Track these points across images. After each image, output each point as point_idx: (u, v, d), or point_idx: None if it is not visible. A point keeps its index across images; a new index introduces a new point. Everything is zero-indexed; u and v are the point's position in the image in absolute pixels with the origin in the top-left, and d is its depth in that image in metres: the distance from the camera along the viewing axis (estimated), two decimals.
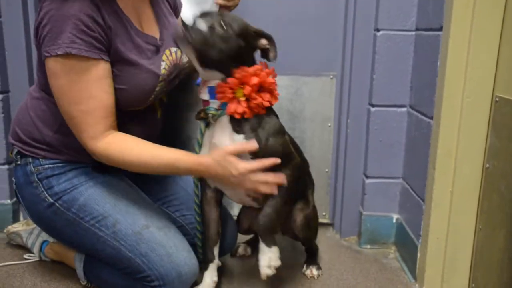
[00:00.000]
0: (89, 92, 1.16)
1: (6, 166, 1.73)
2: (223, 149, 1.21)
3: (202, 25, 1.19)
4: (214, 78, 1.24)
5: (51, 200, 1.27)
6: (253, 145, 1.21)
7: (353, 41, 1.67)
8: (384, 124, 1.66)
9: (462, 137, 1.31)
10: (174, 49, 1.35)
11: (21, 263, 1.57)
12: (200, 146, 1.30)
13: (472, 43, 1.26)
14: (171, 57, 1.33)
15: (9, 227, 1.67)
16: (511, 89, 1.19)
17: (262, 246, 1.30)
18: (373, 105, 1.65)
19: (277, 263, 1.30)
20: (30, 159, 1.30)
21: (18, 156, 1.32)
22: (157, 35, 1.32)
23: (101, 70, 1.16)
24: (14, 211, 1.78)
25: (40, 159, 1.29)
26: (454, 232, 1.36)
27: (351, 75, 1.69)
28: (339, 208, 1.82)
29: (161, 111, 1.42)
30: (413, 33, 1.57)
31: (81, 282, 1.42)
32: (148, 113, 1.36)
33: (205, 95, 1.26)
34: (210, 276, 1.39)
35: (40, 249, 1.56)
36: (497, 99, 1.24)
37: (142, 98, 1.28)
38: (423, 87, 1.49)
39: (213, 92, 1.24)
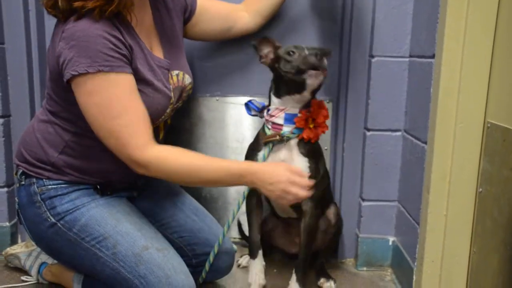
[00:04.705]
0: (129, 104, 1.19)
1: (5, 189, 1.73)
2: (286, 164, 1.36)
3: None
4: (292, 106, 1.41)
5: (53, 220, 1.29)
6: (311, 183, 1.31)
7: (348, 67, 1.70)
8: (380, 148, 1.68)
9: (455, 161, 1.33)
10: (176, 72, 1.40)
11: (19, 286, 1.56)
12: None
13: (464, 70, 1.29)
14: (171, 80, 1.38)
15: (8, 249, 1.67)
16: (502, 115, 1.23)
17: (295, 285, 1.50)
18: (368, 129, 1.68)
19: None
20: (34, 180, 1.32)
21: (23, 177, 1.34)
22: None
23: (133, 83, 1.21)
24: (12, 234, 1.78)
25: (44, 180, 1.31)
26: (449, 256, 1.38)
27: (346, 100, 1.73)
28: None
29: (163, 133, 1.45)
30: (407, 59, 1.61)
31: None
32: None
33: (280, 120, 1.42)
34: (260, 261, 1.55)
35: (38, 271, 1.56)
36: (489, 125, 1.27)
37: (154, 119, 1.30)
38: (417, 112, 1.52)
39: (289, 118, 1.41)
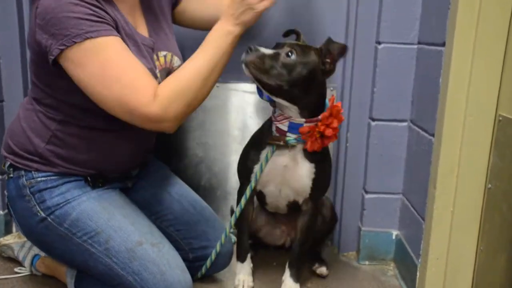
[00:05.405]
0: (124, 63, 1.12)
1: None
2: None
3: (266, 50, 1.23)
4: (287, 108, 1.31)
5: (43, 215, 1.24)
6: None
7: (354, 53, 1.64)
8: (385, 139, 1.63)
9: (464, 156, 1.28)
10: (163, 52, 1.33)
11: (12, 277, 1.53)
12: (261, 170, 1.38)
13: (476, 60, 1.23)
14: (158, 61, 1.31)
15: (1, 239, 1.63)
16: None
17: (289, 280, 1.46)
18: (373, 119, 1.63)
19: None
20: (22, 172, 1.27)
21: (11, 169, 1.29)
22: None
23: (123, 43, 1.14)
24: (6, 223, 1.75)
25: (33, 172, 1.26)
26: (454, 253, 1.33)
27: (351, 87, 1.67)
28: (338, 223, 1.79)
29: None
30: (415, 46, 1.54)
31: None
32: None
33: (284, 127, 1.33)
34: (248, 264, 1.52)
35: (32, 263, 1.53)
36: (501, 118, 1.21)
37: None
38: (425, 103, 1.46)
39: (293, 127, 1.33)
